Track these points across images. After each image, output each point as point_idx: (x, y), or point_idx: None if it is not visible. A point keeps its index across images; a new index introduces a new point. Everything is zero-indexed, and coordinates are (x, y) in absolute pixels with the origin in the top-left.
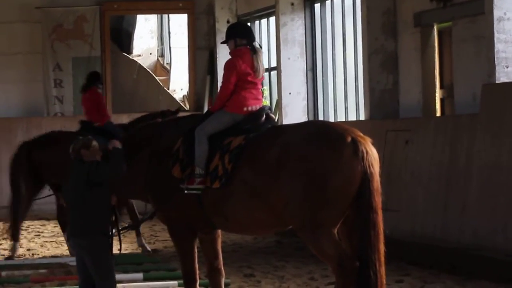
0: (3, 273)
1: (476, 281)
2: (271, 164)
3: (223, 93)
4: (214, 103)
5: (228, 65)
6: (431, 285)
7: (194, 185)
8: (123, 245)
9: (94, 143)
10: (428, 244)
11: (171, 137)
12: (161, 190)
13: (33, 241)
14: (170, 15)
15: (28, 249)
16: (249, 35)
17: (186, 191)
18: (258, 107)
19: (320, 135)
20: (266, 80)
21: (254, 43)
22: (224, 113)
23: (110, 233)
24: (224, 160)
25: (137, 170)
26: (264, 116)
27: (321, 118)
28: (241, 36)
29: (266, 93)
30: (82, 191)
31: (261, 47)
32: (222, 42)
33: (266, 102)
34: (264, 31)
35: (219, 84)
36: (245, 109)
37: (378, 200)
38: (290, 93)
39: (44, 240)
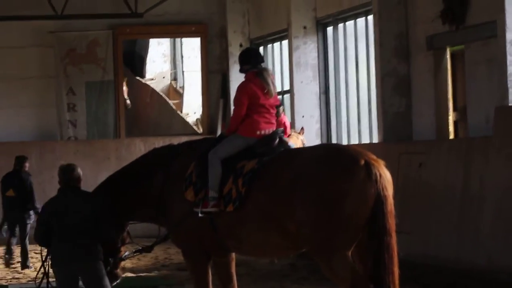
0: None
1: None
2: (284, 188)
3: (236, 116)
4: (228, 126)
5: (239, 88)
6: None
7: (207, 209)
8: (138, 268)
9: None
10: (442, 266)
11: (184, 161)
12: (175, 214)
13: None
14: (183, 39)
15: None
16: (251, 59)
17: (199, 215)
18: (271, 131)
19: (333, 158)
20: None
21: (259, 66)
22: (237, 136)
23: (108, 259)
24: (238, 183)
25: (151, 194)
26: (277, 139)
27: (334, 141)
28: (244, 62)
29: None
30: (87, 224)
31: (265, 69)
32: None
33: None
34: (277, 54)
35: (232, 108)
36: (258, 132)
37: (392, 223)
38: (303, 116)
39: None
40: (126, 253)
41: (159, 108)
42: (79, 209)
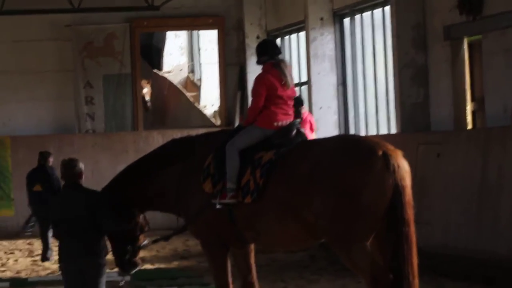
0: None
1: None
2: (302, 179)
3: (254, 107)
4: (246, 116)
5: (257, 79)
6: None
7: (226, 200)
8: (158, 260)
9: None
10: (461, 256)
11: (202, 153)
12: (193, 205)
13: None
14: (200, 31)
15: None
16: (268, 50)
17: (217, 206)
18: (288, 122)
19: (351, 149)
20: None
21: (276, 57)
22: (254, 128)
23: (104, 256)
24: (256, 175)
25: (169, 185)
26: (295, 130)
27: (352, 132)
28: (263, 53)
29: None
30: (87, 219)
31: (283, 61)
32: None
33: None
34: (294, 46)
35: (250, 99)
36: (275, 124)
37: (410, 213)
38: (321, 108)
39: None
40: (145, 242)
41: (176, 101)
42: (79, 205)
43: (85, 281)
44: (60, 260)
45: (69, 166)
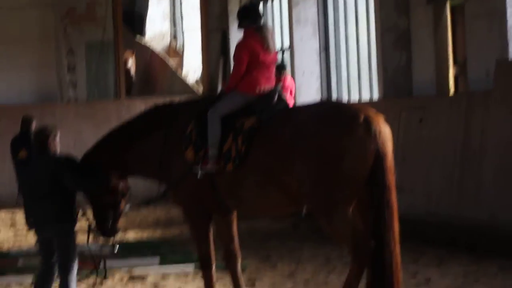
0: (20, 261)
1: (492, 258)
2: (284, 145)
3: (236, 73)
4: (227, 83)
5: (239, 45)
6: (447, 264)
7: (207, 167)
8: (140, 230)
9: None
10: (443, 222)
11: (184, 120)
12: (175, 173)
13: None
14: None
15: None
16: (250, 15)
17: (199, 173)
18: (270, 88)
19: (332, 115)
20: (278, 60)
21: (259, 22)
22: (236, 94)
23: (75, 221)
24: (238, 141)
25: (152, 151)
26: (277, 96)
27: (335, 97)
28: (243, 18)
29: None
30: (49, 185)
31: (265, 25)
32: (238, 27)
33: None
34: (276, 11)
35: (232, 65)
36: (257, 89)
37: (391, 178)
38: (303, 73)
39: None
40: (127, 207)
41: (159, 68)
42: (41, 169)
43: (54, 247)
44: (30, 227)
45: (38, 132)
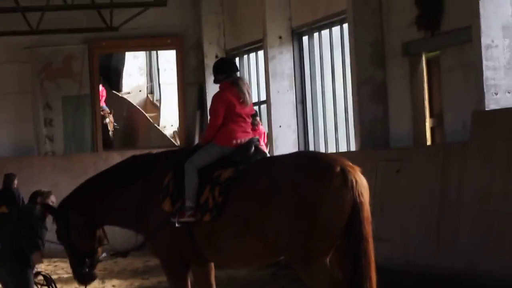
0: None
1: None
2: (261, 195)
3: (212, 125)
4: (204, 136)
5: (215, 98)
6: None
7: (184, 219)
8: (118, 281)
9: None
10: (422, 272)
11: (162, 171)
12: (152, 224)
13: None
14: (159, 52)
15: None
16: (226, 69)
17: (176, 225)
18: (247, 139)
19: (309, 165)
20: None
21: (234, 75)
22: (213, 146)
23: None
24: (215, 192)
25: (129, 202)
26: (253, 148)
27: (312, 150)
28: (220, 72)
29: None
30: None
31: (240, 78)
32: (214, 82)
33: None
34: (253, 65)
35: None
36: (234, 141)
37: (368, 228)
38: (280, 126)
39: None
40: (104, 255)
41: (136, 122)
42: (13, 219)
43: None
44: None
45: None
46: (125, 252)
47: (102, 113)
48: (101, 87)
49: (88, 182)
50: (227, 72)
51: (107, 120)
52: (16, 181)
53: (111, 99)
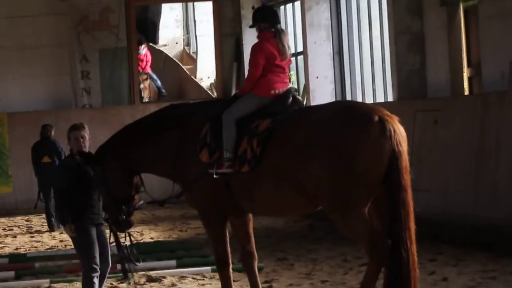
0: (37, 264)
1: (509, 257)
2: (299, 145)
3: (252, 76)
4: (242, 86)
5: (255, 48)
6: (465, 262)
7: (223, 170)
8: (156, 233)
9: None
10: (460, 222)
11: (199, 121)
12: (190, 175)
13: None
14: (195, 3)
15: (61, 241)
16: (271, 18)
17: (214, 176)
18: (284, 90)
19: (347, 115)
20: (293, 65)
21: (277, 26)
22: (251, 96)
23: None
24: (253, 143)
25: (166, 150)
26: (291, 98)
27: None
28: (263, 20)
29: (294, 78)
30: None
31: (282, 30)
32: (251, 27)
33: (293, 86)
34: (289, 15)
35: (246, 71)
36: (272, 92)
37: (407, 178)
38: (317, 77)
39: None
40: (141, 202)
41: (173, 74)
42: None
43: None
44: (69, 221)
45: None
46: (162, 201)
47: (140, 79)
48: (145, 50)
49: (126, 129)
50: (270, 21)
51: (142, 86)
52: (53, 132)
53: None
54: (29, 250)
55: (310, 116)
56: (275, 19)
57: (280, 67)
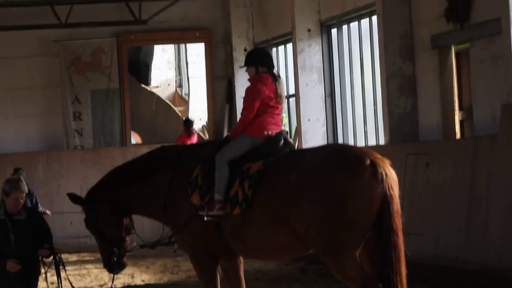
0: None
1: None
2: (290, 188)
3: (245, 118)
4: (235, 128)
5: (251, 91)
6: None
7: (214, 212)
8: (147, 276)
9: None
10: (452, 266)
11: (190, 163)
12: (180, 218)
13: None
14: (188, 45)
15: (52, 283)
16: (270, 63)
17: (205, 218)
18: (276, 131)
19: (338, 158)
20: (284, 107)
21: (274, 71)
22: (244, 137)
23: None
24: (244, 186)
25: (157, 192)
26: (283, 140)
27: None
28: (262, 64)
29: (285, 120)
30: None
31: (279, 75)
32: (242, 67)
33: (285, 129)
34: (281, 58)
35: (238, 112)
36: (265, 133)
37: (398, 222)
38: (309, 120)
39: (68, 273)
40: (134, 244)
41: (165, 115)
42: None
43: None
44: None
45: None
46: (153, 243)
47: None
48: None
49: (116, 171)
50: (269, 65)
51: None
52: (24, 174)
53: (140, 93)
54: None
55: (301, 159)
56: (272, 63)
57: (275, 108)
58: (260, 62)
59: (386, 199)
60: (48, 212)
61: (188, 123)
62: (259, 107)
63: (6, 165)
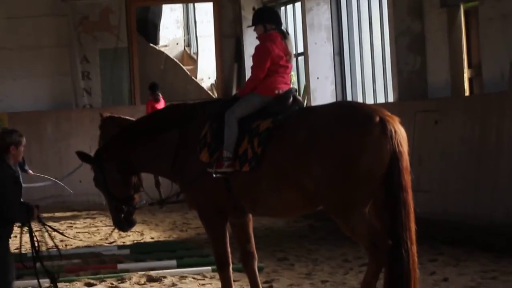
0: (37, 264)
1: (509, 257)
2: (300, 145)
3: (256, 77)
4: (244, 86)
5: (261, 50)
6: (465, 263)
7: (222, 169)
8: (156, 233)
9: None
10: (460, 222)
11: (199, 121)
12: (189, 175)
13: (65, 232)
14: (196, 4)
15: (61, 240)
16: (278, 20)
17: (214, 175)
18: (285, 89)
19: (348, 115)
20: (293, 66)
21: (282, 28)
22: (254, 96)
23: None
24: (254, 143)
25: (165, 150)
26: (292, 98)
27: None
28: (270, 21)
29: (294, 78)
30: None
31: (288, 32)
32: (250, 26)
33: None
34: (290, 16)
35: (247, 71)
36: (276, 92)
37: (407, 179)
38: (318, 78)
39: (76, 231)
40: (143, 202)
41: (173, 75)
42: None
43: None
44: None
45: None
46: (162, 201)
47: None
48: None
49: (124, 130)
50: (276, 22)
51: None
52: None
53: (148, 52)
54: (29, 250)
55: (311, 116)
56: (280, 20)
57: (285, 67)
58: (268, 19)
59: (395, 156)
60: (31, 171)
61: (154, 87)
62: (269, 66)
63: (15, 124)
